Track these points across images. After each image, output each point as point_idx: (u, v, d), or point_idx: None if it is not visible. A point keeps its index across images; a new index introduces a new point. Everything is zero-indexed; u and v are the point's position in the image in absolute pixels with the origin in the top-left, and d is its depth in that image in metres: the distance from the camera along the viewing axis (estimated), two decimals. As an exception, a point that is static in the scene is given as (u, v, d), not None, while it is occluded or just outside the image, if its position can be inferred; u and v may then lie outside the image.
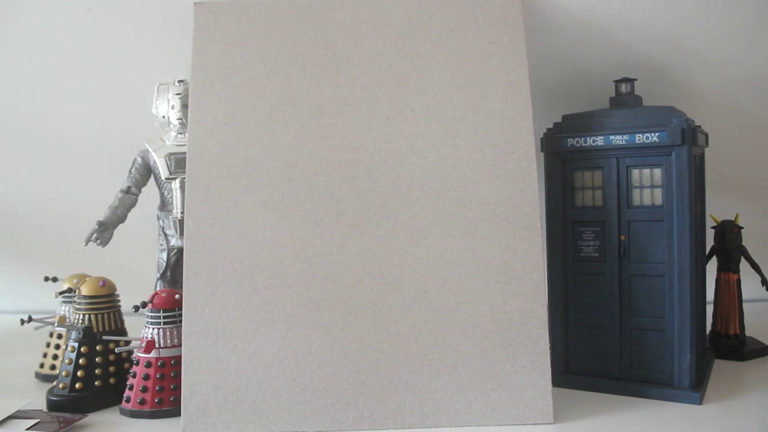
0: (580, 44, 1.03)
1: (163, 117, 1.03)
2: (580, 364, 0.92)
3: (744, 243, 1.07)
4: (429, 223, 0.83)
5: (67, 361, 0.88)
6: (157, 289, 1.03)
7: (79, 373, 0.87)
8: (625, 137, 0.87)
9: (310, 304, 0.82)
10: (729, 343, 1.05)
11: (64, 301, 1.02)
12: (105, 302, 0.93)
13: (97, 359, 0.89)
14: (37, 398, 0.88)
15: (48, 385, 0.93)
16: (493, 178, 0.84)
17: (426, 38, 0.87)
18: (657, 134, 0.85)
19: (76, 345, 0.89)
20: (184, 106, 1.00)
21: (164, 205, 1.05)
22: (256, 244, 0.83)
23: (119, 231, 1.07)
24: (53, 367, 1.00)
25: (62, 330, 1.00)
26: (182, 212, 1.00)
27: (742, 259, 1.07)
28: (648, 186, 0.87)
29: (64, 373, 0.88)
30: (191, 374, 0.81)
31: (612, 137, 0.88)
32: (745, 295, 1.07)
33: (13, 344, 1.21)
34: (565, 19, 0.99)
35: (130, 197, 1.06)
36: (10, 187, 1.43)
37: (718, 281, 1.08)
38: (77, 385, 0.87)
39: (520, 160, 0.84)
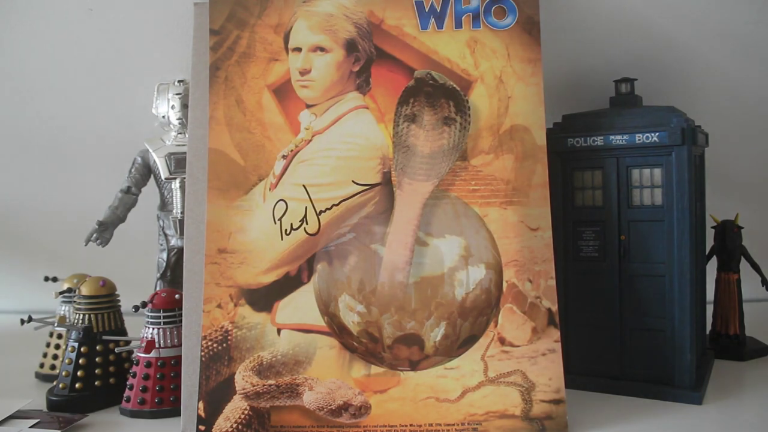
0: (580, 44, 1.03)
1: (163, 117, 1.03)
2: (580, 364, 0.91)
3: (744, 243, 1.07)
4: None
5: (67, 361, 0.89)
6: (157, 289, 1.04)
7: (79, 373, 0.87)
8: (625, 137, 0.87)
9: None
10: (729, 343, 1.05)
11: (64, 301, 1.02)
12: (105, 302, 0.93)
13: (97, 359, 0.89)
14: (37, 398, 0.88)
15: (48, 385, 0.93)
16: (493, 178, 0.84)
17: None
18: (657, 134, 0.85)
19: (76, 345, 0.89)
20: (184, 106, 1.00)
21: (164, 205, 1.05)
22: (256, 244, 0.83)
23: (119, 231, 1.07)
24: (53, 367, 1.00)
25: (62, 330, 1.00)
26: (182, 212, 1.00)
27: (742, 259, 1.07)
28: (648, 186, 0.87)
29: (64, 373, 0.88)
30: (191, 374, 0.81)
31: (612, 137, 0.88)
32: (745, 295, 1.07)
33: (13, 344, 1.21)
34: (566, 19, 0.99)
35: (130, 197, 1.06)
36: (10, 187, 1.43)
37: (718, 281, 1.08)
38: (77, 385, 0.87)
39: (520, 160, 0.84)
